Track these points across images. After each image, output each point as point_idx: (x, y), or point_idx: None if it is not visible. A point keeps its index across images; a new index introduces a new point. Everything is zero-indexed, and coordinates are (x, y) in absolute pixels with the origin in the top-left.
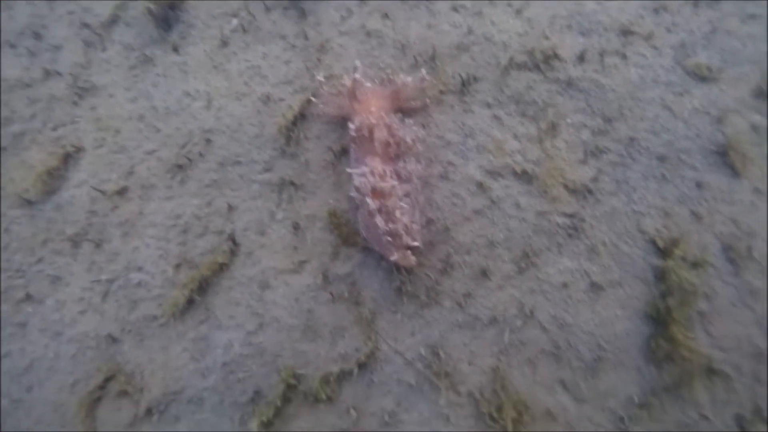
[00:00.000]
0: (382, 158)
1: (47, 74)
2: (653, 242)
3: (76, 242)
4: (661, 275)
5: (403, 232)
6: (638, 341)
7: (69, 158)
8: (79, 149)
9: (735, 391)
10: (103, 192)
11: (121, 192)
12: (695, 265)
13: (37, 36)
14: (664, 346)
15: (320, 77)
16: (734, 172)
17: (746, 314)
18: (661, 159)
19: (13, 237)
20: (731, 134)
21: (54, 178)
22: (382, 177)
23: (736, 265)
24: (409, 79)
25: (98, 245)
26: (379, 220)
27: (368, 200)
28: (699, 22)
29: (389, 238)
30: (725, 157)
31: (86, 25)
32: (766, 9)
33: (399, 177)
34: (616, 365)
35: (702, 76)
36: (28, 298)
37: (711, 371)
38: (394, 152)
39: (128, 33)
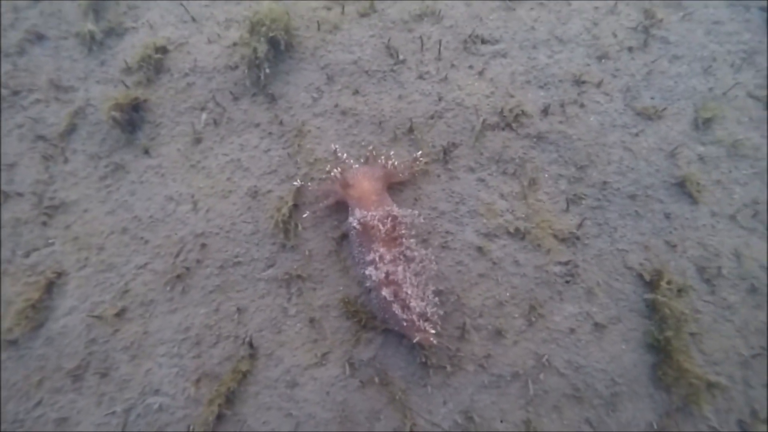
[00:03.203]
0: (385, 243)
1: (6, 197)
2: (640, 276)
3: (77, 376)
4: (653, 306)
5: (419, 321)
6: (645, 370)
7: (51, 286)
8: (61, 274)
9: (733, 399)
10: (98, 317)
11: (120, 313)
12: (680, 291)
13: None
14: (671, 373)
15: (297, 182)
16: (693, 200)
17: (728, 327)
18: (632, 197)
19: (2, 384)
20: (684, 166)
21: (38, 311)
22: (393, 263)
23: (711, 284)
24: (398, 160)
25: (104, 375)
26: (396, 309)
27: (383, 292)
28: (636, 65)
29: (407, 324)
30: (684, 188)
31: (41, 138)
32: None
33: (406, 258)
34: (632, 396)
35: (649, 116)
36: None
37: (711, 386)
38: (397, 236)
39: (91, 141)
